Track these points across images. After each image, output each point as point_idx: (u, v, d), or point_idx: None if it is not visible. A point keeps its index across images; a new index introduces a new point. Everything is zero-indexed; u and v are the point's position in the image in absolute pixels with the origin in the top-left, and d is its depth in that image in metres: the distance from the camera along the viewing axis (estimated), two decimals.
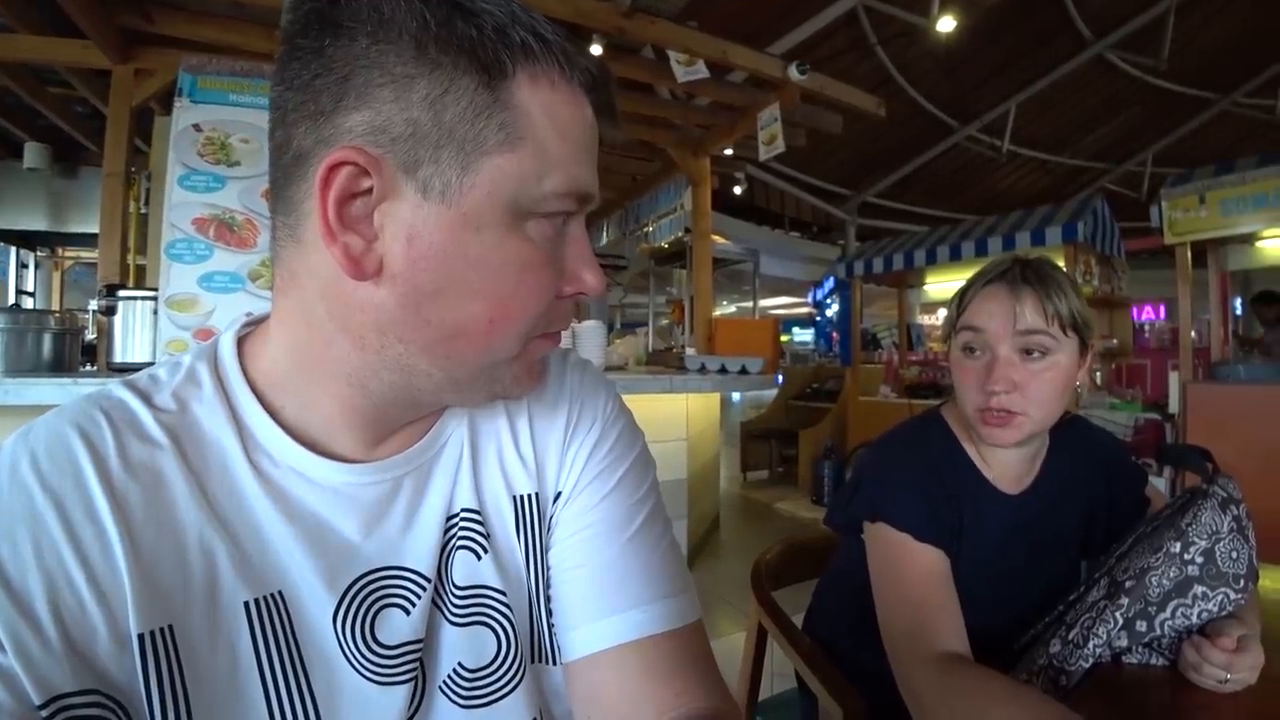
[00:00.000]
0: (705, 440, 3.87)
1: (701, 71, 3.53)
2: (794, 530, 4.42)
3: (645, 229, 5.97)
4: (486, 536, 0.54)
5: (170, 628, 0.41)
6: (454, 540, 0.53)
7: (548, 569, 0.57)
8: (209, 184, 2.94)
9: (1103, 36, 8.86)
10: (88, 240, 5.02)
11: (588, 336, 3.11)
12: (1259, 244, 3.60)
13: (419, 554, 0.51)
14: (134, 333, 2.74)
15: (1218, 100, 10.33)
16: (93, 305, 2.90)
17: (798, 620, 1.21)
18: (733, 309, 14.29)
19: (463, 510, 0.54)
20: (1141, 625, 0.81)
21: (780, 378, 6.57)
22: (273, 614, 0.45)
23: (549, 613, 0.56)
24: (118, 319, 2.71)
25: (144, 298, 2.78)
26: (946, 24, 7.39)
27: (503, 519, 0.55)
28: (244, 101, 3.10)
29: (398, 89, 0.40)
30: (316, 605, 0.47)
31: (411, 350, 0.45)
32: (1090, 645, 0.83)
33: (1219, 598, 0.78)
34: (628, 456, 0.61)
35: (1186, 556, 0.79)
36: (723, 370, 3.41)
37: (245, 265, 3.08)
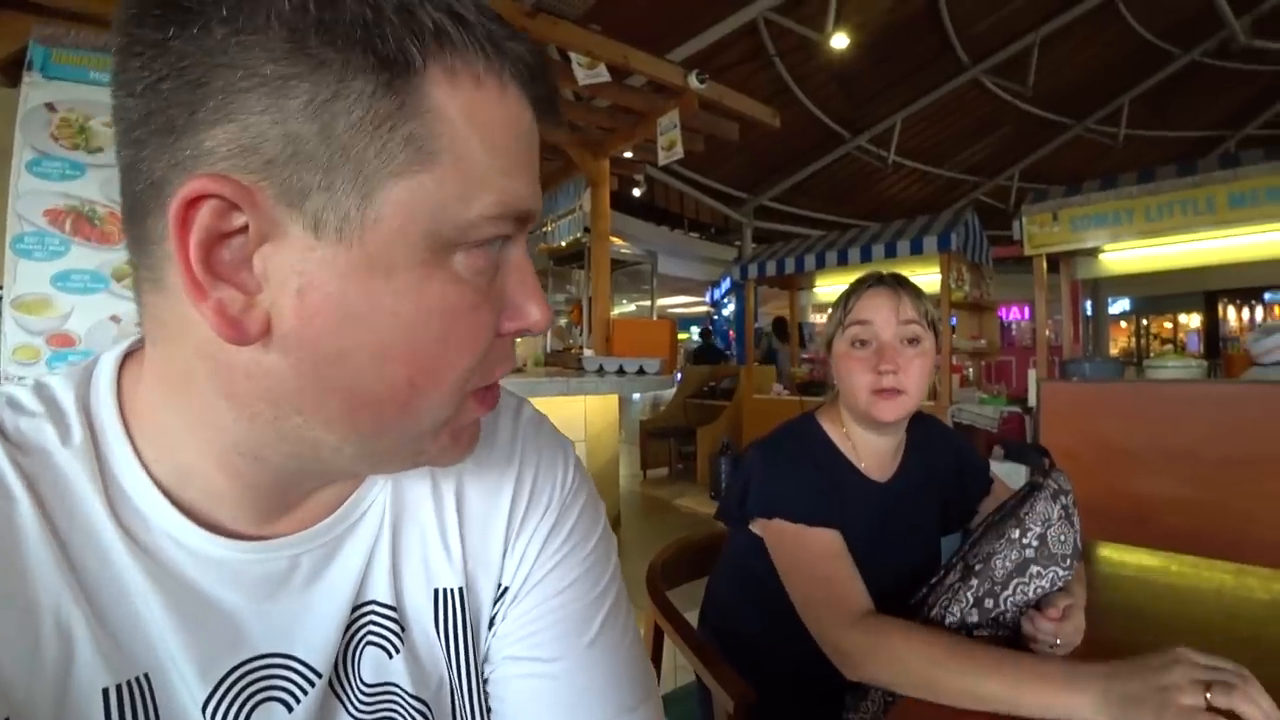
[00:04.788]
0: (604, 441, 3.91)
1: (603, 75, 3.56)
2: (694, 525, 4.53)
3: (545, 229, 5.94)
4: (401, 633, 0.46)
5: None
6: (362, 635, 0.46)
7: (480, 670, 0.50)
8: (65, 171, 2.66)
9: (978, 62, 9.65)
10: None
11: None
12: (1101, 256, 4.03)
13: (312, 644, 0.43)
14: None
15: (1073, 125, 11.47)
16: None
17: (696, 614, 1.27)
18: (632, 307, 14.42)
19: (374, 603, 0.46)
20: (989, 603, 0.90)
21: (679, 375, 6.71)
22: (135, 701, 0.37)
23: (483, 717, 0.50)
24: None
25: None
26: (840, 40, 7.79)
27: (420, 615, 0.48)
28: (107, 80, 2.83)
29: (270, 95, 0.31)
30: (187, 692, 0.39)
31: (314, 423, 0.36)
32: (947, 623, 0.92)
33: (1050, 575, 0.89)
34: (589, 541, 0.53)
35: (1024, 541, 0.90)
36: (620, 371, 3.46)
37: (109, 263, 2.80)
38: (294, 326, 0.33)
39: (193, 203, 0.31)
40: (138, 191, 0.34)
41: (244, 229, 0.32)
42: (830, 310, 1.17)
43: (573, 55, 3.54)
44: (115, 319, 2.83)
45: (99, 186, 2.78)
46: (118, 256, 2.81)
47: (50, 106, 2.63)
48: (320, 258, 0.33)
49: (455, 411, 0.40)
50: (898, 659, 0.83)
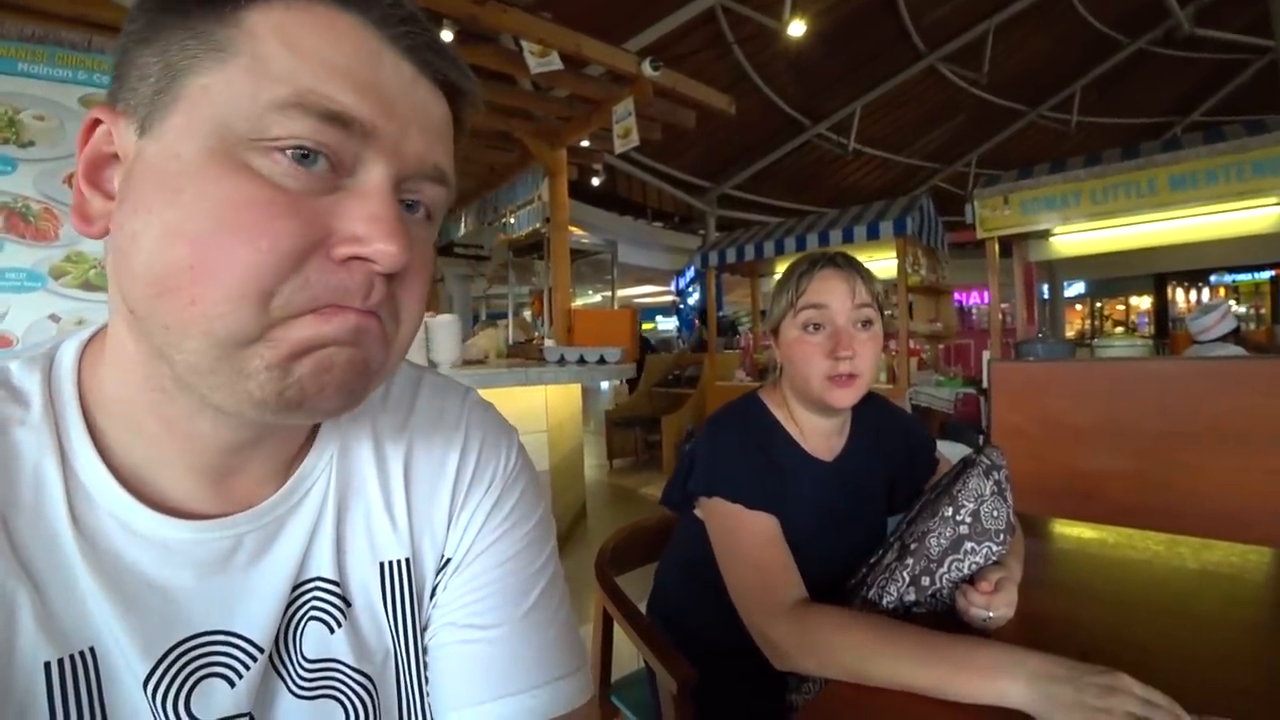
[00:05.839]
0: (567, 431, 3.89)
1: (555, 63, 3.52)
2: (661, 513, 4.54)
3: (505, 219, 5.88)
4: (345, 609, 0.48)
5: None
6: (304, 611, 0.47)
7: (422, 640, 0.52)
8: None
9: (934, 49, 9.78)
10: None
11: (442, 332, 2.98)
12: (1052, 239, 4.11)
13: (254, 620, 0.44)
14: None
15: (1027, 112, 11.72)
16: None
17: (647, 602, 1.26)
18: (597, 298, 14.37)
19: (318, 579, 0.47)
20: (925, 580, 0.91)
21: (640, 367, 6.73)
22: (79, 675, 0.39)
23: (424, 686, 0.52)
24: None
25: None
26: (797, 28, 7.83)
27: (366, 589, 0.49)
28: (37, 72, 2.71)
29: (142, 45, 0.38)
30: (128, 669, 0.40)
31: (145, 324, 0.37)
32: (884, 602, 0.93)
33: (984, 550, 0.90)
34: (529, 520, 0.56)
35: (958, 518, 0.91)
36: (581, 361, 3.44)
37: (45, 260, 2.71)
38: (115, 209, 0.38)
39: (90, 127, 0.39)
40: None
41: (117, 157, 0.39)
42: (776, 290, 1.13)
43: (524, 44, 3.49)
44: (54, 318, 2.74)
45: (32, 182, 2.67)
46: (55, 254, 2.72)
47: None
48: (137, 152, 0.38)
49: (268, 327, 0.36)
50: (826, 650, 0.82)
